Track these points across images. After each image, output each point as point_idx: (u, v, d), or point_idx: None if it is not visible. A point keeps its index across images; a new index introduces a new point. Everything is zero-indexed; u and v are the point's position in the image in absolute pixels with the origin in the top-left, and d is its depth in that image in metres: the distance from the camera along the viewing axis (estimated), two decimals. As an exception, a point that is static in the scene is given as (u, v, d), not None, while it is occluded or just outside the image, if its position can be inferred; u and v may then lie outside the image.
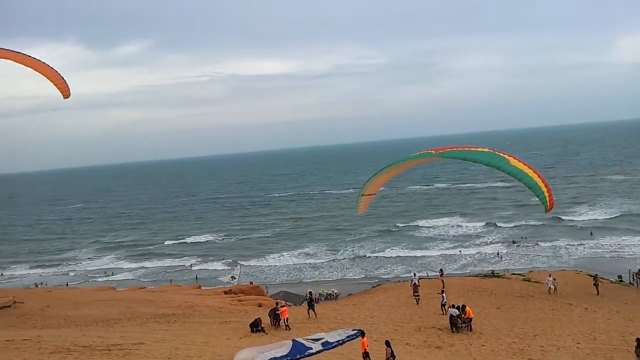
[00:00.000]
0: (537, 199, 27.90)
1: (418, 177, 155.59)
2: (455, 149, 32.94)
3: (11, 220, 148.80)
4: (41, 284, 66.25)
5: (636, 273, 45.19)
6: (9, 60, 20.33)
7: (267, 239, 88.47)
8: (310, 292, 35.00)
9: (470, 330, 27.65)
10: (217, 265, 73.71)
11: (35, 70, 20.47)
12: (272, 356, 22.43)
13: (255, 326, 27.60)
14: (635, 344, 20.57)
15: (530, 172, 29.66)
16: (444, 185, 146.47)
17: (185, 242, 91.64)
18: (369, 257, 71.34)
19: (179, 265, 75.73)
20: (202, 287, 51.64)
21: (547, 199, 29.30)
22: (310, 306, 30.73)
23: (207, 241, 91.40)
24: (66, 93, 21.62)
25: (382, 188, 37.08)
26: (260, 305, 36.42)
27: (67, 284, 64.52)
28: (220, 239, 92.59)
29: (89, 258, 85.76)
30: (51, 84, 21.22)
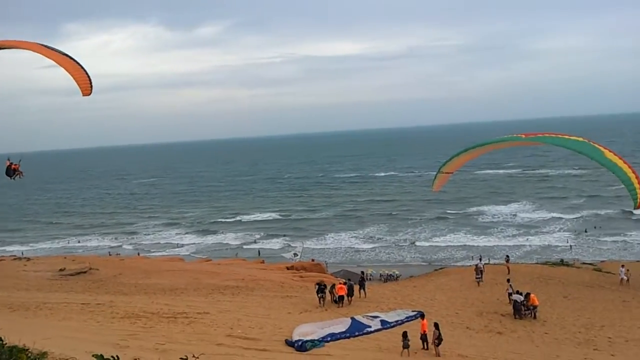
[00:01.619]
0: (621, 191, 27.04)
1: (485, 162, 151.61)
2: (548, 135, 32.34)
3: (82, 192, 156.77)
4: (115, 253, 69.69)
5: None
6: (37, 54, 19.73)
7: (328, 219, 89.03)
8: (362, 272, 35.01)
9: (535, 317, 27.02)
10: (280, 243, 75.03)
11: (59, 64, 19.74)
12: (331, 332, 22.96)
13: (321, 291, 28.08)
14: None
15: (624, 166, 29.11)
16: (512, 171, 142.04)
17: (248, 220, 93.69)
18: (431, 241, 70.48)
19: (243, 241, 77.63)
20: (265, 262, 52.78)
21: (638, 195, 28.54)
22: (361, 286, 30.70)
23: (270, 219, 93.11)
24: (87, 91, 20.47)
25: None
26: (325, 283, 36.92)
27: (138, 254, 67.55)
28: (283, 217, 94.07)
29: (158, 231, 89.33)
30: (72, 78, 20.14)
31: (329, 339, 21.77)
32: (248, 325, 22.82)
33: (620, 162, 29.21)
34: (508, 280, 30.58)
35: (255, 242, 76.49)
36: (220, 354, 18.36)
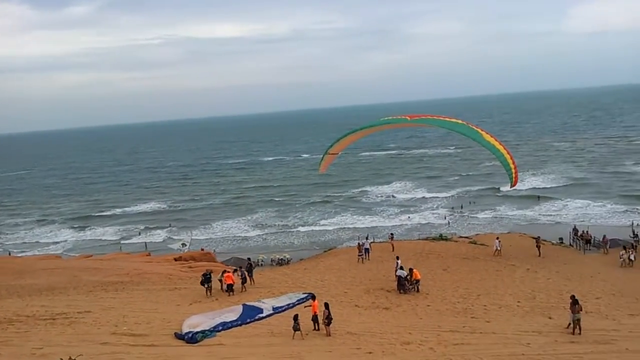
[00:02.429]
0: (490, 169, 29.21)
1: (368, 144, 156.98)
2: (429, 117, 34.14)
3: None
4: (-20, 254, 63.72)
5: (575, 235, 47.37)
6: None
7: (216, 208, 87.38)
8: (249, 259, 34.92)
9: (418, 291, 28.44)
10: (165, 234, 72.45)
11: None
12: (222, 321, 22.60)
13: (207, 281, 27.53)
14: (570, 301, 21.65)
15: (501, 147, 31.40)
16: (393, 152, 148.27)
17: (130, 212, 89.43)
18: (319, 223, 71.63)
19: (125, 234, 74.12)
20: (152, 255, 50.90)
21: (514, 174, 31.04)
22: (249, 272, 30.50)
23: (153, 210, 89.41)
24: None
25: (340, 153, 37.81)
26: (211, 272, 36.24)
27: (9, 254, 62.35)
28: (167, 207, 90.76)
29: (29, 229, 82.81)
30: None
31: (220, 328, 21.44)
32: (134, 321, 21.90)
33: (497, 144, 31.59)
34: (397, 258, 31.89)
35: (139, 234, 73.30)
36: (106, 353, 17.51)
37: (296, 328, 20.52)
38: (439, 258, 38.19)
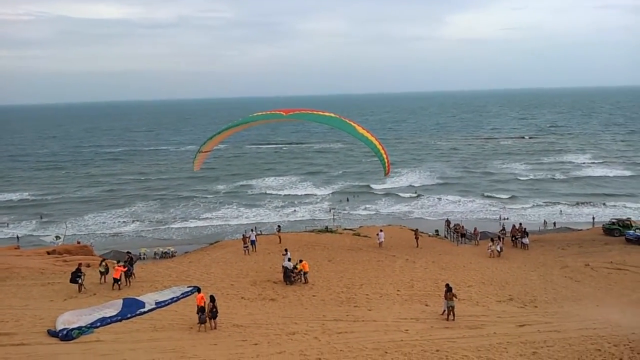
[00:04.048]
0: (371, 165, 30.20)
1: (252, 137, 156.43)
2: (305, 112, 34.26)
3: None
4: None
5: (449, 227, 50.64)
6: None
7: (92, 199, 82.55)
8: (128, 252, 33.54)
9: (306, 282, 28.86)
10: (35, 226, 67.26)
11: None
12: (101, 316, 21.49)
13: (77, 276, 26.01)
14: (445, 289, 23.11)
15: (373, 139, 32.36)
16: (280, 146, 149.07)
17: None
18: (204, 215, 70.25)
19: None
20: (21, 248, 47.02)
21: (387, 164, 32.25)
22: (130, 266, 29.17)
23: (19, 201, 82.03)
24: None
25: (220, 146, 37.02)
26: (88, 266, 34.22)
27: None
28: (36, 198, 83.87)
29: None
30: None
31: (98, 324, 20.39)
32: (0, 320, 20.21)
33: (369, 136, 32.74)
34: (286, 250, 32.00)
35: (7, 225, 67.39)
36: (-34, 355, 15.99)
37: (202, 321, 20.42)
38: (324, 249, 39.01)
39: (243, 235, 39.52)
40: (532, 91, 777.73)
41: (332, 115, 33.48)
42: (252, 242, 37.78)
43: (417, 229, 44.26)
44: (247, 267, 32.93)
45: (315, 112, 34.35)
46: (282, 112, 34.27)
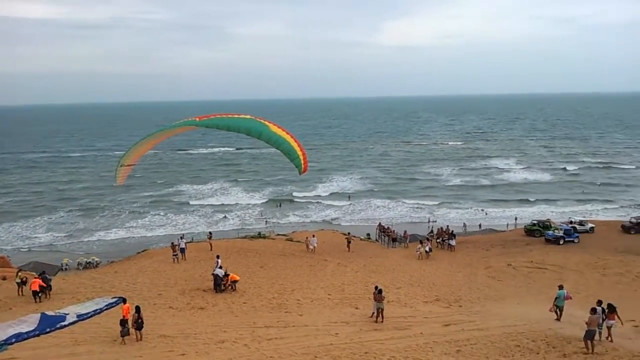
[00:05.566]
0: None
1: (183, 143, 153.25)
2: (217, 117, 33.13)
3: None
4: None
5: (380, 231, 51.51)
6: None
7: (13, 206, 78.46)
8: (43, 272, 31.83)
9: (235, 290, 28.50)
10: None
11: None
12: (17, 332, 20.09)
13: None
14: (374, 291, 23.46)
15: (287, 137, 31.76)
16: (213, 150, 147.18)
17: None
18: (129, 224, 67.91)
19: None
20: None
21: (302, 162, 31.80)
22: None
23: None
24: None
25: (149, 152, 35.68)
26: (4, 278, 32.44)
27: None
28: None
29: None
30: None
31: (13, 340, 19.12)
32: None
33: (284, 134, 31.86)
34: (218, 257, 31.46)
35: None
36: None
37: (125, 333, 19.78)
38: (256, 255, 38.72)
39: (172, 243, 38.54)
40: (462, 98, 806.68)
41: (247, 116, 32.51)
42: (182, 250, 36.97)
43: (349, 233, 44.76)
44: (176, 275, 32.18)
45: (228, 116, 33.08)
46: (196, 119, 33.19)
